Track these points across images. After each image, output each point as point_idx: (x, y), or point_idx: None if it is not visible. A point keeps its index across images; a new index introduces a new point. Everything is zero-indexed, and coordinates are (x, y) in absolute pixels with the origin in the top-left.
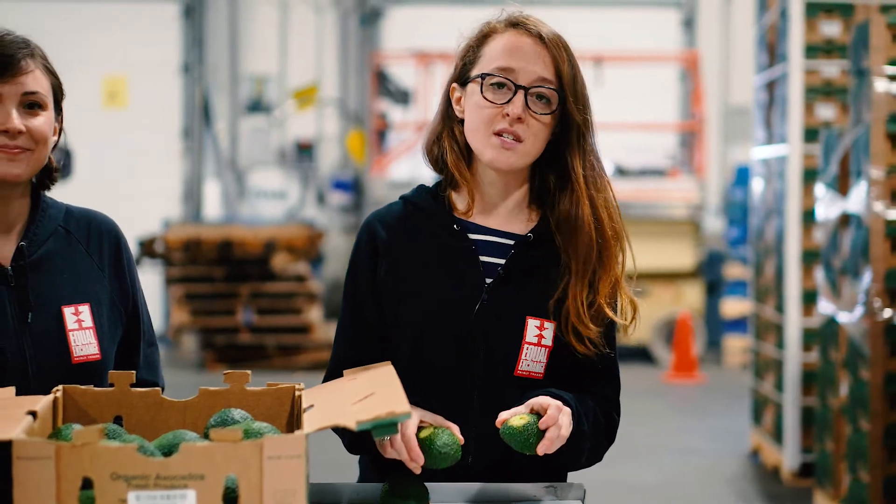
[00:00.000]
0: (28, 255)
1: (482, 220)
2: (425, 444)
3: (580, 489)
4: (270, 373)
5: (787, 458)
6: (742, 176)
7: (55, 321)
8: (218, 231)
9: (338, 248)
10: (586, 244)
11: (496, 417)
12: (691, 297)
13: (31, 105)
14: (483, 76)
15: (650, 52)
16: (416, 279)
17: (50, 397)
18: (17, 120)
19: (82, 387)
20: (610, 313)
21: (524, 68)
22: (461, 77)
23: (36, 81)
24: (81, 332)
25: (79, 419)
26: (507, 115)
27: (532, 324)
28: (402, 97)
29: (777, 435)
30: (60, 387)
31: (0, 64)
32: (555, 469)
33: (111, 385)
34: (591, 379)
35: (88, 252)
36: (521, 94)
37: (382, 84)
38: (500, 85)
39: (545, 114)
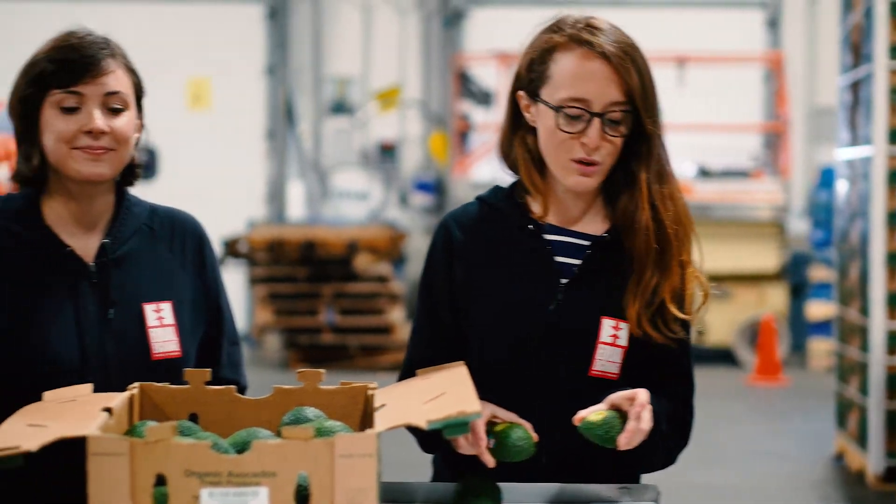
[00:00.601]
0: (111, 253)
1: (557, 221)
2: (500, 438)
3: (654, 491)
4: (352, 373)
5: (872, 462)
6: (827, 177)
7: (136, 318)
8: (301, 231)
9: (420, 250)
10: (642, 247)
11: (570, 417)
12: (775, 299)
13: (113, 105)
14: (557, 109)
15: (734, 53)
16: (491, 279)
17: (126, 394)
18: (100, 121)
19: (158, 384)
20: (675, 312)
21: (596, 96)
22: (528, 89)
23: (117, 81)
24: (162, 329)
25: (155, 416)
26: (584, 143)
27: (607, 324)
28: (484, 98)
29: (861, 439)
30: (137, 384)
31: (82, 65)
32: (628, 471)
33: (187, 383)
34: (666, 380)
35: (171, 250)
36: (596, 122)
37: (465, 85)
38: (574, 116)
39: (622, 135)
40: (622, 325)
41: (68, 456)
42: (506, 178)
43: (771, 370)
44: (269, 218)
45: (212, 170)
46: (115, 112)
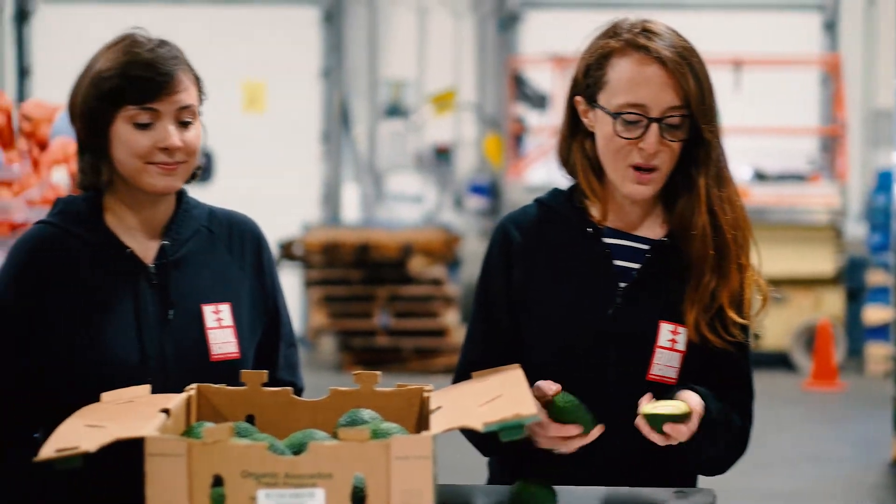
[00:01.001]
0: (170, 254)
1: (616, 225)
2: (556, 406)
3: (710, 495)
4: (407, 375)
5: None
6: (885, 181)
7: (195, 319)
8: (356, 234)
9: (474, 252)
10: (699, 251)
11: (627, 422)
12: (832, 303)
13: (184, 118)
14: (614, 115)
15: (791, 56)
16: (549, 282)
17: (184, 395)
18: (175, 137)
19: (215, 385)
20: (734, 316)
21: (653, 101)
22: (586, 95)
23: (189, 95)
24: (221, 330)
25: (212, 418)
26: (642, 149)
27: (665, 328)
28: (540, 101)
29: None
30: (194, 385)
31: (158, 83)
32: (685, 475)
33: (245, 384)
34: (725, 386)
35: (230, 252)
36: (654, 127)
37: (519, 88)
38: (632, 122)
39: (679, 140)
40: (680, 329)
41: (124, 457)
42: (562, 180)
43: (827, 375)
44: (323, 221)
45: (267, 172)
46: (186, 125)
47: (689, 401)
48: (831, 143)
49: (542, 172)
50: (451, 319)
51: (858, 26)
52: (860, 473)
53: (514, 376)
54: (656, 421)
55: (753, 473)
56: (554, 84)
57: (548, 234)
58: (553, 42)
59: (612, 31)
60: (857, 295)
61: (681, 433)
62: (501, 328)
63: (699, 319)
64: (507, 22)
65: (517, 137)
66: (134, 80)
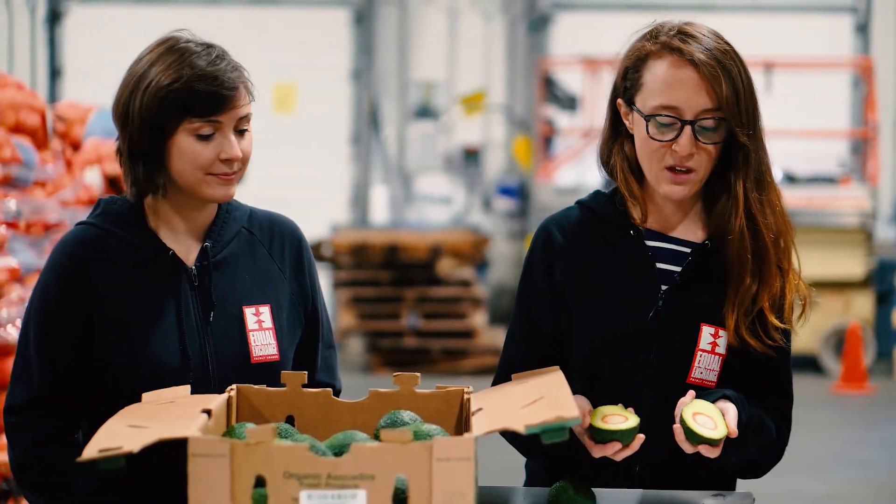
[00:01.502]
0: (212, 256)
1: (658, 227)
2: (592, 428)
3: (749, 498)
4: (435, 377)
5: None
6: None
7: (236, 321)
8: (385, 236)
9: (503, 254)
10: (736, 255)
11: (667, 424)
12: (861, 306)
13: (242, 127)
14: (648, 118)
15: (822, 59)
16: (591, 284)
17: (224, 396)
18: (237, 149)
19: (256, 386)
20: (774, 321)
21: (687, 103)
22: (625, 98)
23: (247, 105)
24: (261, 332)
25: (252, 418)
26: (676, 151)
27: (706, 331)
28: (570, 103)
29: None
30: (234, 386)
31: (225, 97)
32: (724, 478)
33: (284, 385)
34: (764, 391)
35: (271, 254)
36: (687, 129)
37: (549, 90)
38: (666, 121)
39: (714, 142)
40: (721, 332)
41: (164, 457)
42: (591, 182)
43: (856, 378)
44: (352, 222)
45: (296, 173)
46: (242, 133)
47: (729, 421)
48: (862, 146)
49: (572, 174)
50: (480, 321)
51: (891, 29)
52: (890, 477)
53: (554, 378)
54: (694, 436)
55: (782, 476)
56: (584, 86)
57: (590, 235)
58: (583, 44)
59: (650, 35)
60: (886, 298)
61: (711, 454)
62: (542, 329)
63: (740, 323)
64: (538, 23)
65: (547, 139)
66: (201, 94)
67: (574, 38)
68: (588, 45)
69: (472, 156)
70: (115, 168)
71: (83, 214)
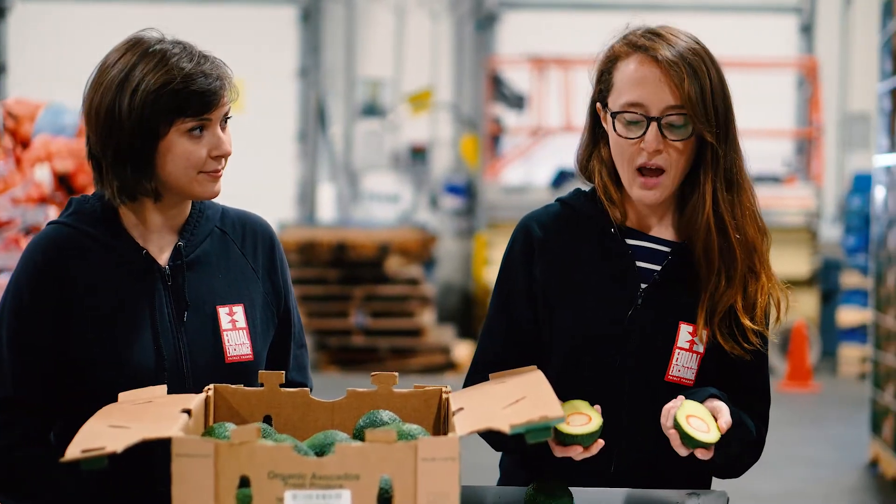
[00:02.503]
0: (185, 255)
1: (638, 226)
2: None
3: (723, 497)
4: None
5: None
6: (860, 184)
7: (210, 321)
8: (332, 234)
9: (450, 252)
10: (703, 252)
11: (644, 423)
12: (806, 305)
13: (224, 123)
14: (614, 115)
15: (767, 59)
16: (571, 281)
17: (202, 396)
18: (227, 144)
19: (233, 386)
20: (747, 322)
21: (651, 99)
22: (600, 99)
23: (229, 101)
24: (235, 332)
25: (230, 418)
26: (643, 148)
27: (685, 329)
28: (517, 102)
29: None
30: (212, 386)
31: (214, 94)
32: (699, 477)
33: (261, 385)
34: (742, 391)
35: (243, 253)
36: (653, 126)
37: (497, 89)
38: (633, 118)
39: (681, 139)
40: (700, 331)
41: (140, 457)
42: (539, 181)
43: (802, 376)
44: (299, 220)
45: (243, 171)
46: (223, 128)
47: (721, 422)
48: (807, 146)
49: (519, 173)
50: (427, 319)
51: (835, 29)
52: (838, 475)
53: (535, 378)
54: (690, 440)
55: None
56: (532, 85)
57: (570, 233)
58: (531, 43)
59: (623, 36)
60: (831, 297)
61: (705, 457)
62: (521, 326)
63: (714, 326)
64: (485, 22)
65: (494, 138)
66: (194, 94)
67: (521, 37)
68: (535, 43)
69: (419, 154)
70: (64, 165)
71: (34, 212)
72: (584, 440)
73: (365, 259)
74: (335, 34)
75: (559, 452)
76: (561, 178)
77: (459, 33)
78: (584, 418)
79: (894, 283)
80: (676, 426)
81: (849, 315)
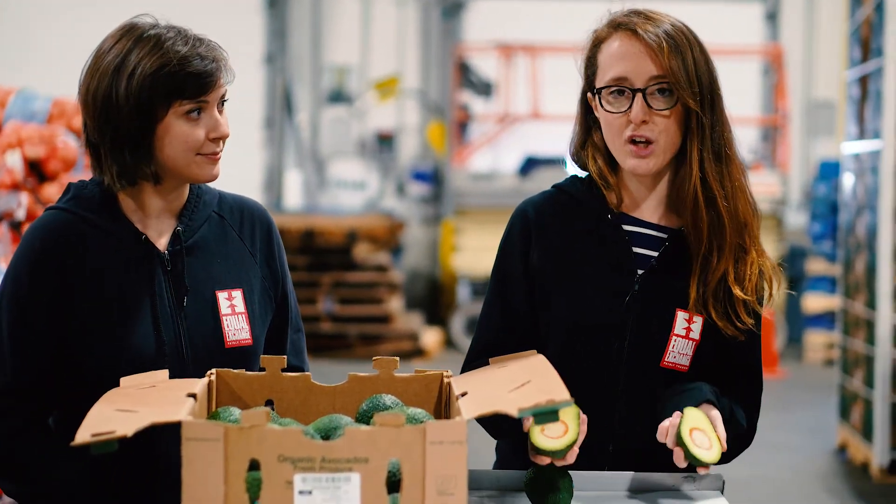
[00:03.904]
0: (184, 240)
1: (636, 213)
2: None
3: (719, 480)
4: (352, 362)
5: (877, 454)
6: (825, 171)
7: (209, 306)
8: (300, 220)
9: (417, 239)
10: (692, 223)
11: (640, 407)
12: None
13: (221, 106)
14: (600, 91)
15: (733, 46)
16: (568, 266)
17: (205, 380)
18: (225, 126)
19: (235, 371)
20: (740, 293)
21: (635, 71)
22: (588, 85)
23: (225, 83)
24: (234, 316)
25: (232, 402)
26: (631, 120)
27: (681, 316)
28: (485, 89)
29: (866, 431)
30: (214, 370)
31: (210, 75)
32: None
33: (262, 369)
34: (735, 378)
35: (241, 238)
36: (638, 97)
37: (464, 75)
38: (619, 92)
39: (668, 108)
40: (696, 318)
41: (142, 442)
42: (506, 168)
43: (768, 363)
44: (266, 206)
45: None
46: (220, 112)
47: (718, 430)
48: (772, 133)
49: (487, 160)
50: (396, 306)
51: (799, 17)
52: (806, 460)
53: (538, 362)
54: (693, 458)
55: None
56: (499, 72)
57: (568, 219)
58: (498, 30)
59: (606, 21)
60: (796, 284)
61: (704, 471)
62: (516, 312)
63: (710, 306)
64: (452, 9)
65: (461, 125)
66: (190, 76)
67: (488, 24)
68: (503, 30)
69: (385, 141)
70: (35, 151)
71: (7, 199)
72: (555, 455)
73: (333, 246)
74: (301, 20)
75: (532, 457)
76: (528, 165)
77: (426, 20)
78: (561, 428)
79: (863, 270)
80: (681, 442)
81: (814, 302)
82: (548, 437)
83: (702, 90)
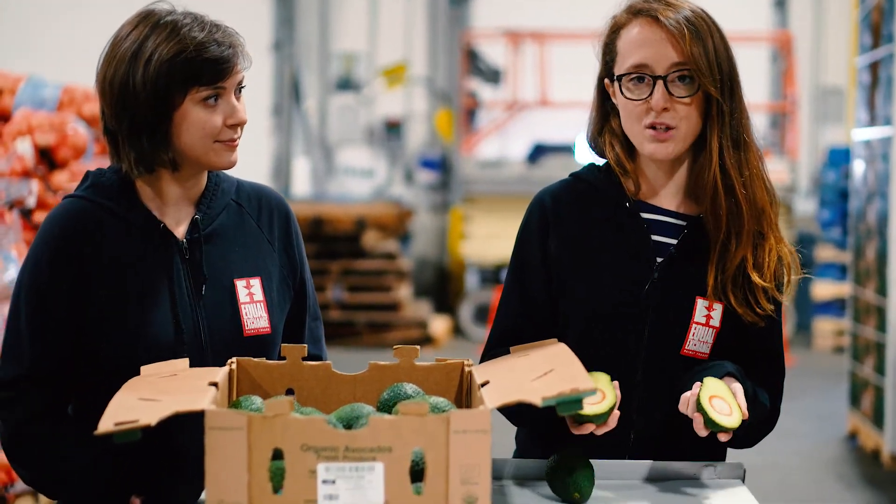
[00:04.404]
0: (202, 228)
1: (654, 200)
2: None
3: (740, 468)
4: (360, 350)
5: (888, 441)
6: (834, 157)
7: (228, 294)
8: (309, 208)
9: (425, 226)
10: (711, 211)
11: (659, 395)
12: None
13: (238, 93)
14: (620, 78)
15: (741, 33)
16: (587, 254)
17: (226, 369)
18: (242, 113)
19: (255, 359)
20: (758, 280)
21: (655, 58)
22: (607, 71)
23: (242, 69)
24: (252, 305)
25: (252, 391)
26: (652, 107)
27: (701, 304)
28: (493, 76)
29: (877, 418)
30: (234, 359)
31: (227, 61)
32: (715, 448)
33: (282, 358)
34: (756, 363)
35: (259, 226)
36: (659, 84)
37: (473, 63)
38: (639, 79)
39: (689, 95)
40: (716, 305)
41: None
42: (514, 155)
43: None
44: None
45: None
46: (238, 98)
47: (740, 402)
48: (781, 120)
49: (495, 147)
50: (404, 293)
51: (808, 3)
52: (817, 447)
53: (560, 350)
54: (713, 424)
55: None
56: (507, 59)
57: (586, 207)
58: (506, 16)
59: (624, 8)
60: (806, 270)
61: (725, 439)
62: (537, 299)
63: (729, 292)
64: None
65: (469, 112)
66: (207, 62)
67: (496, 11)
68: (511, 17)
69: (393, 128)
70: (45, 139)
71: (18, 186)
72: (596, 419)
73: (342, 233)
74: (309, 8)
75: (576, 431)
76: (537, 152)
77: (434, 6)
78: (599, 395)
79: (873, 257)
80: (700, 409)
81: (823, 289)
82: (588, 405)
83: (722, 77)
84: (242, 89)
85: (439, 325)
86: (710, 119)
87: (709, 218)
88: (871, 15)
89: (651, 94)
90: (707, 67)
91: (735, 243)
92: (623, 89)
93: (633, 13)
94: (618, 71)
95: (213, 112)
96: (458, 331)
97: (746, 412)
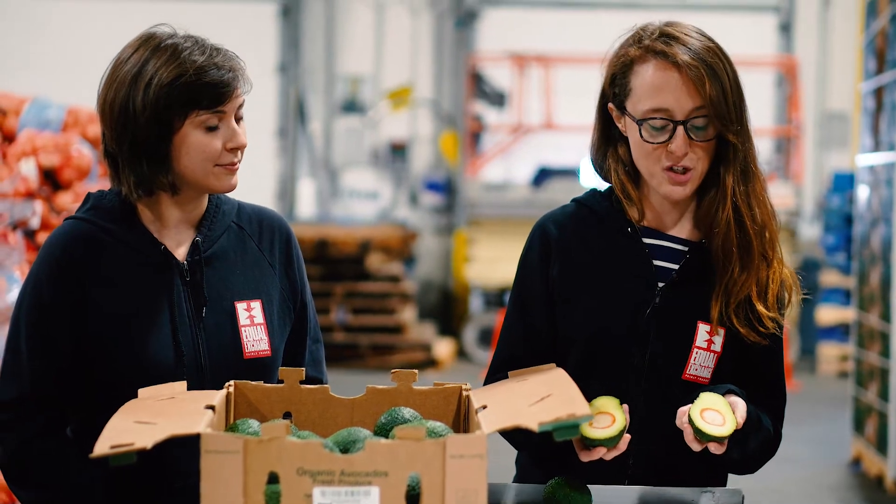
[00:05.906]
0: (203, 251)
1: (655, 225)
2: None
3: (738, 495)
4: (364, 372)
5: (892, 467)
6: (839, 183)
7: (228, 317)
8: (313, 230)
9: (430, 249)
10: (721, 246)
11: (660, 421)
12: None
13: (238, 115)
14: (640, 122)
15: (746, 58)
16: (588, 280)
17: (223, 392)
18: (242, 136)
19: (253, 382)
20: (762, 308)
21: (676, 104)
22: (615, 103)
23: (243, 93)
24: (253, 327)
25: (250, 414)
26: (671, 152)
27: (703, 328)
28: (498, 99)
29: (880, 444)
30: (232, 382)
31: (227, 86)
32: (715, 473)
33: (281, 381)
34: (758, 387)
35: (260, 248)
36: (680, 130)
37: (478, 86)
38: (659, 127)
39: (707, 140)
40: (718, 329)
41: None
42: (519, 178)
43: None
44: None
45: None
46: (238, 122)
47: (738, 412)
48: (786, 145)
49: (500, 170)
50: (408, 316)
51: (813, 28)
52: (820, 473)
53: (558, 375)
54: (703, 435)
55: None
56: (512, 82)
57: (587, 233)
58: (511, 40)
59: (634, 39)
60: (809, 295)
61: (719, 451)
62: (538, 326)
63: (732, 315)
64: (465, 19)
65: (474, 135)
66: (207, 87)
67: (502, 34)
68: (516, 41)
69: (398, 151)
70: (50, 160)
71: (21, 207)
72: (608, 443)
73: (346, 256)
74: (315, 30)
75: (585, 457)
76: (542, 175)
77: (439, 30)
78: (608, 419)
79: (878, 282)
80: (689, 421)
81: (828, 314)
82: (598, 429)
83: (737, 114)
84: (242, 111)
85: (443, 348)
86: (725, 160)
87: (718, 251)
88: (875, 40)
89: (671, 138)
90: (725, 110)
91: (745, 275)
92: (642, 132)
93: (648, 51)
94: (632, 109)
95: (213, 136)
96: (462, 353)
97: (741, 422)
